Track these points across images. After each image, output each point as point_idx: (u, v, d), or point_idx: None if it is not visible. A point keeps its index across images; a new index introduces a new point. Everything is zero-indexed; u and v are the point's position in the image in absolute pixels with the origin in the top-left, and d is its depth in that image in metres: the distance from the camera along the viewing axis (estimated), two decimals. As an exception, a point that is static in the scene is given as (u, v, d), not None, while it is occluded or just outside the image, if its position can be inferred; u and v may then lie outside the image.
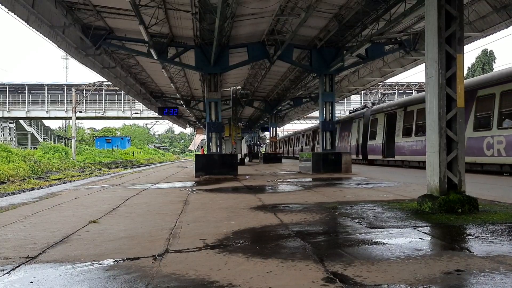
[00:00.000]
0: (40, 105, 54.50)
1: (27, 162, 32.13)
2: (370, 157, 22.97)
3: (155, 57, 15.19)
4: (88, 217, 6.19)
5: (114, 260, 3.75)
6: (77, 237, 4.81)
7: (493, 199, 6.81)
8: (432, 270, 3.15)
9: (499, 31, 13.96)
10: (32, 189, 19.12)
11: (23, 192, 17.12)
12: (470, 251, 3.70)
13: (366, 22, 13.85)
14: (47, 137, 70.78)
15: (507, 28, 13.62)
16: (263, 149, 55.61)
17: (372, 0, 12.48)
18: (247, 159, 39.94)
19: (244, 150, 52.45)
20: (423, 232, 4.56)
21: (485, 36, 14.56)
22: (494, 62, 53.17)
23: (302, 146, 39.50)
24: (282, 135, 62.84)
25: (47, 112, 54.69)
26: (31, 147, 56.40)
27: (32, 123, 65.24)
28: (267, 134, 51.64)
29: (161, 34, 14.73)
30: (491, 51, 53.29)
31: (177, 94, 28.36)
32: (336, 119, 29.96)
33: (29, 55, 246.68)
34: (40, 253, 4.08)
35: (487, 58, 53.00)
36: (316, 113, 42.85)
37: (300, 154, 18.86)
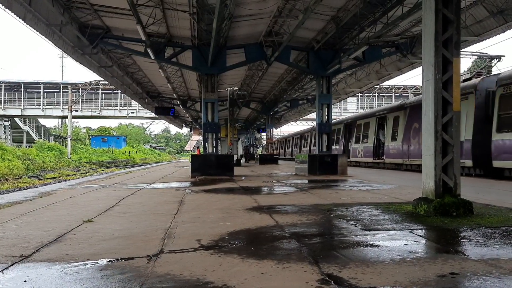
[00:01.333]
0: (35, 104, 54.18)
1: (22, 161, 31.95)
2: (498, 163, 12.84)
3: (152, 57, 15.16)
4: (82, 216, 6.16)
5: (108, 260, 3.73)
6: (72, 237, 4.79)
7: (488, 203, 6.83)
8: (426, 273, 3.16)
9: (495, 35, 14.04)
10: (27, 187, 19.04)
11: (18, 190, 17.03)
12: (465, 254, 3.72)
13: (364, 25, 13.89)
14: (42, 136, 70.37)
15: (503, 32, 13.70)
16: (259, 150, 55.62)
17: (369, 3, 12.51)
18: (243, 160, 39.92)
19: (241, 151, 52.44)
20: (418, 235, 4.57)
21: (482, 40, 14.64)
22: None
23: (300, 148, 39.05)
24: (279, 136, 62.88)
25: (42, 110, 54.40)
26: (26, 146, 56.11)
27: (27, 121, 64.91)
28: (263, 135, 51.63)
29: (159, 34, 14.71)
30: (487, 55, 53.54)
31: (174, 94, 28.32)
32: (400, 102, 21.25)
33: (29, 55, 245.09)
34: (34, 252, 4.06)
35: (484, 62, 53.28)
36: (313, 115, 42.93)
37: (296, 156, 18.83)
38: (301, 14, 12.05)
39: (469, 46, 15.43)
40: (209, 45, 14.08)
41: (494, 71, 17.99)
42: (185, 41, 15.54)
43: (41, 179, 26.26)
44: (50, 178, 26.85)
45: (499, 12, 12.93)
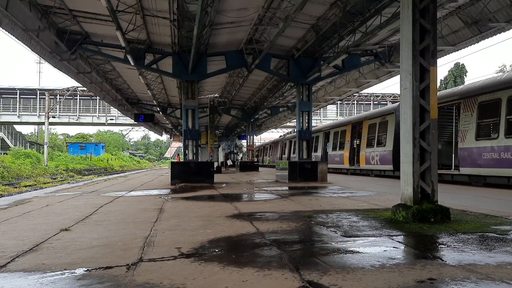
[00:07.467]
0: (11, 110, 53.01)
1: (-4, 168, 31.15)
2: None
3: (132, 63, 15.04)
4: (59, 225, 6.03)
5: (86, 269, 3.66)
6: (48, 246, 4.68)
7: (464, 209, 6.97)
8: (405, 279, 3.20)
9: (470, 45, 14.41)
10: (1, 195, 18.54)
11: (-8, 198, 16.56)
12: (443, 260, 3.77)
13: (343, 34, 14.07)
14: (18, 143, 68.75)
15: (477, 43, 14.07)
16: (240, 157, 55.56)
17: (349, 12, 12.69)
18: (223, 167, 39.80)
19: (221, 158, 52.28)
20: (397, 241, 4.62)
21: (457, 50, 15.00)
22: (465, 76, 54.79)
23: (280, 155, 39.12)
24: (259, 143, 62.96)
25: (18, 116, 53.21)
26: (1, 153, 54.72)
27: (2, 127, 63.39)
28: (244, 142, 51.62)
29: (139, 40, 14.61)
30: (462, 64, 54.86)
31: (154, 101, 28.12)
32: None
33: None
34: (9, 262, 3.95)
35: (459, 72, 54.54)
36: (293, 122, 43.17)
37: (277, 163, 18.87)
38: (281, 22, 12.14)
39: (446, 55, 15.78)
40: (190, 52, 14.05)
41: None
42: (166, 48, 15.46)
43: (16, 187, 25.61)
44: (26, 186, 26.21)
45: (474, 23, 13.28)
